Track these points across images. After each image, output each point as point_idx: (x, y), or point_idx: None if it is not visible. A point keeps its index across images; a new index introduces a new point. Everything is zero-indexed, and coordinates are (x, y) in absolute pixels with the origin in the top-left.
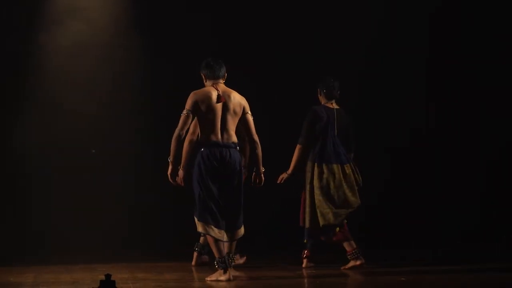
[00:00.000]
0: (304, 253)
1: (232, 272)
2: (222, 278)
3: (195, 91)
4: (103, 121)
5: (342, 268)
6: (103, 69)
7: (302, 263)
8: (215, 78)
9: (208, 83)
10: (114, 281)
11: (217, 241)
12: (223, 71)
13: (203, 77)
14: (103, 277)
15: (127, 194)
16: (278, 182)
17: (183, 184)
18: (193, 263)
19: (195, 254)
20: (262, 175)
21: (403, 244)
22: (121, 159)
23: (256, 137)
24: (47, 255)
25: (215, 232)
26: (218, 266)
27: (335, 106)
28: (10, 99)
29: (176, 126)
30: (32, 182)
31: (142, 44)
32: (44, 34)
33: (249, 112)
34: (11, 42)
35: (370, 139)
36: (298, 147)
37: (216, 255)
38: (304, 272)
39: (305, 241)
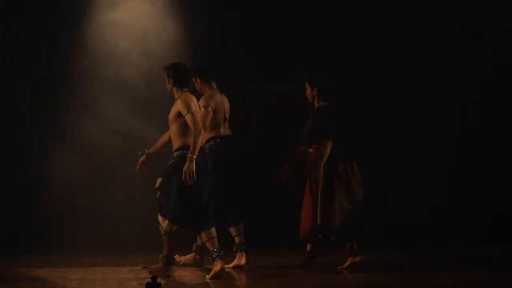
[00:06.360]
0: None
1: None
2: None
3: None
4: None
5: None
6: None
7: (345, 263)
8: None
9: None
10: (160, 284)
11: None
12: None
13: None
14: (149, 279)
15: None
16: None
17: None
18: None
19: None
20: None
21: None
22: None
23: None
24: (96, 256)
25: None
26: None
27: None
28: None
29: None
30: (74, 184)
31: None
32: (94, 41)
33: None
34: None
35: None
36: (329, 143)
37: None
38: (346, 271)
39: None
